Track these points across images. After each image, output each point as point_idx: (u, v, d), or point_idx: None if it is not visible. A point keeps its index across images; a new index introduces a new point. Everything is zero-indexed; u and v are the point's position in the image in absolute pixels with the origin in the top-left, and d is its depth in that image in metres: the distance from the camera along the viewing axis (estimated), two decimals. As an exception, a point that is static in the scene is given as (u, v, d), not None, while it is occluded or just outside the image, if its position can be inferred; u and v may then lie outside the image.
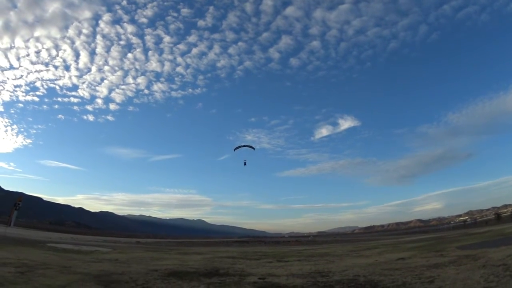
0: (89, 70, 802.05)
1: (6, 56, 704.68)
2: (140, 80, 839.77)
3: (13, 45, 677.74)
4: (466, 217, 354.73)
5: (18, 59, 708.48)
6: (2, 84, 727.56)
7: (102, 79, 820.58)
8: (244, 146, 48.94)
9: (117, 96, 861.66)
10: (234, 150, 47.04)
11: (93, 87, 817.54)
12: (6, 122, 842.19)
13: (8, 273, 15.74)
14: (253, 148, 48.22)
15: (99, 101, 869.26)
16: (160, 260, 30.04)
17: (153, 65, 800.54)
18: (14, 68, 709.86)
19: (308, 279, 18.13)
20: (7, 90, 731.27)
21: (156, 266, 24.17)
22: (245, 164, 48.24)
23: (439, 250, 31.11)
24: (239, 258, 35.08)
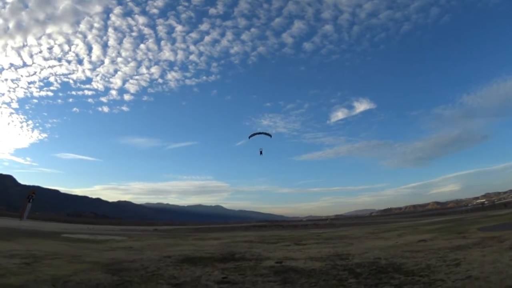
0: (102, 62, 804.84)
1: (19, 55, 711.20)
2: (153, 69, 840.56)
3: (25, 44, 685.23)
4: (484, 200, 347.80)
5: (31, 56, 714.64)
6: (16, 81, 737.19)
7: (116, 71, 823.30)
8: (260, 133, 45.07)
9: (131, 87, 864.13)
10: (249, 137, 43.35)
11: (107, 79, 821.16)
12: (21, 118, 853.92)
13: (13, 264, 15.07)
14: (270, 136, 43.95)
15: (114, 92, 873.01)
16: (175, 246, 29.42)
17: (166, 54, 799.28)
18: (27, 66, 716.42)
19: (327, 262, 17.26)
20: (21, 87, 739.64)
21: (170, 252, 23.52)
22: (261, 153, 44.81)
23: (460, 232, 29.88)
24: (256, 242, 34.33)
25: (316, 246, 27.06)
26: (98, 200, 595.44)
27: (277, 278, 13.55)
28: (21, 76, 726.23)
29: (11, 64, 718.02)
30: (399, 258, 17.27)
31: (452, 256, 16.42)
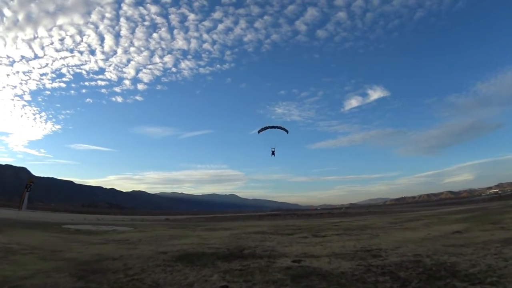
0: (115, 52, 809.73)
1: (30, 47, 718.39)
2: (167, 59, 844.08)
3: (36, 36, 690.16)
4: (497, 189, 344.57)
5: (42, 48, 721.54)
6: (28, 74, 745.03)
7: (129, 61, 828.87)
8: (273, 127, 37.64)
9: (145, 76, 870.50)
10: (259, 132, 36.86)
11: (120, 69, 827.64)
12: (34, 111, 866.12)
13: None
14: (287, 131, 36.85)
15: (127, 82, 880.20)
16: (179, 238, 26.32)
17: (179, 43, 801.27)
18: (39, 57, 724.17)
19: (357, 261, 13.74)
20: (33, 79, 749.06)
21: (168, 246, 20.34)
22: (273, 154, 38.24)
23: (495, 222, 26.62)
24: (269, 233, 30.96)
25: (337, 239, 23.64)
26: (112, 190, 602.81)
27: (296, 286, 10.16)
28: (33, 68, 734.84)
29: (22, 57, 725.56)
30: (445, 256, 13.91)
31: (510, 253, 13.45)
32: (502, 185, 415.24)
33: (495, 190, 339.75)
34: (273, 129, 37.93)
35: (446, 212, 58.10)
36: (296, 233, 30.06)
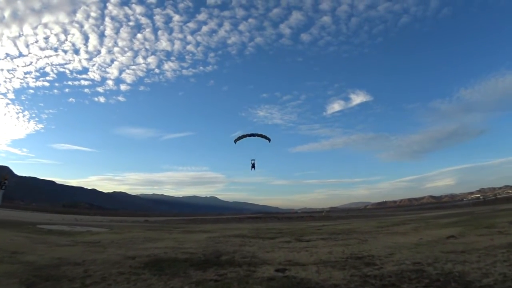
0: (99, 52, 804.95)
1: (15, 44, 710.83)
2: (150, 59, 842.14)
3: (21, 33, 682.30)
4: (479, 195, 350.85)
5: (27, 46, 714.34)
6: (12, 72, 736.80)
7: (112, 61, 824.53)
8: (252, 135, 33.26)
9: (128, 77, 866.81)
10: (235, 142, 31.67)
11: (103, 69, 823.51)
12: (17, 109, 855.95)
13: None
14: (269, 139, 31.88)
15: (110, 82, 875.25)
16: (153, 241, 24.60)
17: (163, 44, 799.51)
18: (24, 56, 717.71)
19: (350, 271, 12.24)
20: (17, 78, 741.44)
21: (140, 250, 18.64)
22: (253, 167, 33.49)
23: (489, 227, 25.60)
24: (250, 237, 29.34)
25: (323, 243, 22.17)
26: (93, 190, 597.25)
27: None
28: (17, 66, 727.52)
29: (7, 54, 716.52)
30: (448, 264, 12.53)
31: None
32: (483, 190, 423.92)
33: (476, 195, 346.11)
34: (252, 137, 33.90)
35: (432, 216, 57.37)
36: (278, 237, 28.52)
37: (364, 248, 18.58)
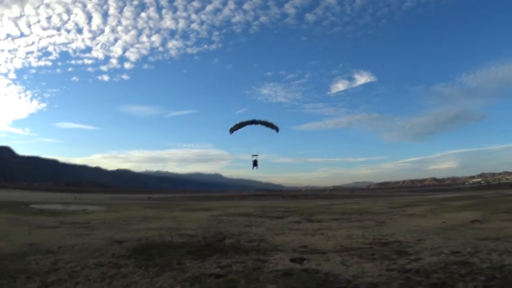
0: (102, 31, 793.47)
1: (17, 25, 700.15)
2: (154, 38, 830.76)
3: (23, 13, 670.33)
4: (480, 179, 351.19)
5: (29, 26, 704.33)
6: (13, 52, 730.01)
7: (116, 39, 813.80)
8: (253, 122, 26.88)
9: (132, 55, 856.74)
10: (231, 131, 26.33)
11: (107, 47, 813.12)
12: (19, 89, 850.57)
13: None
14: (276, 129, 26.64)
15: (114, 61, 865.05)
16: (149, 221, 22.37)
17: (167, 23, 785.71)
18: (25, 36, 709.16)
19: (383, 262, 9.99)
20: (19, 58, 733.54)
21: (131, 232, 16.29)
22: (255, 164, 28.21)
23: (508, 211, 23.37)
24: (255, 216, 27.05)
25: (337, 225, 19.84)
26: (97, 168, 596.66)
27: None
28: (19, 46, 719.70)
29: (8, 35, 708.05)
30: (493, 254, 10.46)
31: None
32: (484, 175, 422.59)
33: (477, 180, 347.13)
34: (253, 125, 27.48)
35: (441, 198, 55.16)
36: (286, 217, 26.27)
37: (385, 232, 16.34)
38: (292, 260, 10.27)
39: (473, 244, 11.99)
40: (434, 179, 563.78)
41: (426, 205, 35.85)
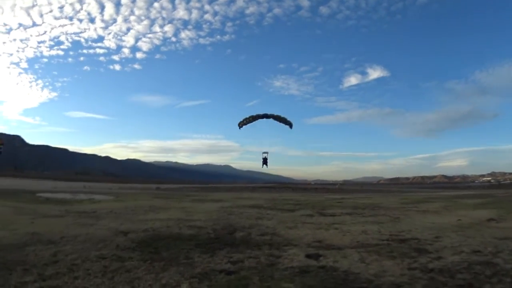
0: (115, 21, 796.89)
1: (29, 14, 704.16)
2: (167, 28, 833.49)
3: (35, 3, 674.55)
4: (490, 178, 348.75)
5: (41, 16, 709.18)
6: (25, 41, 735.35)
7: (128, 29, 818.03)
8: (266, 116, 24.57)
9: (144, 45, 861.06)
10: (240, 126, 24.29)
11: (119, 37, 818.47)
12: (30, 78, 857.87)
13: None
14: (290, 125, 24.37)
15: (126, 50, 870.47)
16: (157, 211, 21.84)
17: (180, 13, 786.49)
18: (37, 25, 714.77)
19: (403, 260, 9.33)
20: (31, 47, 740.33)
21: (137, 223, 15.77)
22: (265, 162, 26.12)
23: None
24: (266, 208, 26.39)
25: (351, 220, 19.11)
26: (107, 158, 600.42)
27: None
28: (31, 35, 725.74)
29: (20, 24, 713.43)
30: None
31: None
32: (494, 174, 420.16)
33: (487, 179, 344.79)
34: (264, 119, 25.05)
35: (454, 195, 53.70)
36: (298, 210, 25.58)
37: (401, 228, 15.60)
38: (308, 256, 9.61)
39: (493, 244, 11.31)
40: (444, 176, 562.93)
41: (439, 202, 34.85)
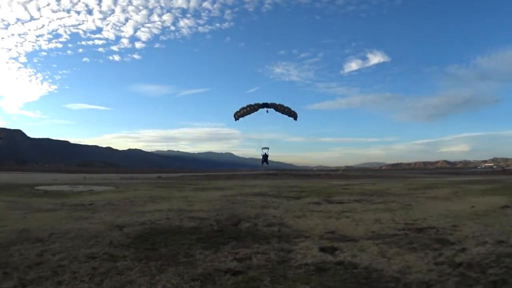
0: (113, 11, 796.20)
1: (26, 9, 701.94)
2: (165, 17, 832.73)
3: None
4: (492, 164, 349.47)
5: (39, 9, 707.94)
6: (23, 36, 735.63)
7: (127, 19, 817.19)
8: (265, 105, 21.58)
9: (143, 35, 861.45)
10: (236, 117, 21.80)
11: (117, 27, 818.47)
12: (30, 72, 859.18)
13: None
14: (295, 116, 21.89)
15: (125, 41, 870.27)
16: (157, 201, 21.04)
17: (179, 2, 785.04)
18: (35, 19, 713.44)
19: (427, 253, 8.40)
20: (29, 41, 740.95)
21: (135, 216, 14.80)
22: (265, 160, 23.73)
23: None
24: (271, 196, 25.46)
25: (361, 207, 18.19)
26: (108, 149, 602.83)
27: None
28: (29, 30, 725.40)
29: (18, 19, 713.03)
30: None
31: None
32: (497, 160, 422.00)
33: (490, 164, 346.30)
34: (263, 109, 22.06)
35: (460, 181, 52.59)
36: (304, 197, 24.67)
37: (415, 216, 14.77)
38: (322, 250, 8.65)
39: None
40: (446, 162, 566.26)
41: (447, 188, 33.85)
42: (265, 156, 25.43)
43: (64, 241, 9.50)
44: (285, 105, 22.99)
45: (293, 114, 23.06)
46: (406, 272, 6.92)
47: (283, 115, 23.02)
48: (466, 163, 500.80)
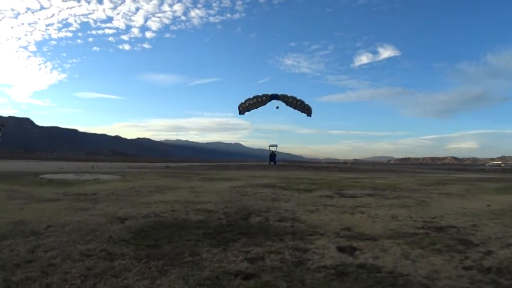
0: (123, 1, 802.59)
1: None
2: (176, 7, 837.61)
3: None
4: (500, 162, 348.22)
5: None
6: (33, 25, 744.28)
7: (137, 9, 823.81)
8: (274, 97, 19.84)
9: (153, 24, 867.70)
10: (241, 111, 20.48)
11: (128, 17, 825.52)
12: (39, 61, 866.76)
13: None
14: (308, 112, 20.33)
15: (135, 30, 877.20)
16: (164, 191, 20.34)
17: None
18: (45, 8, 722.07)
19: (453, 256, 7.63)
20: (39, 30, 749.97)
21: (139, 207, 14.06)
22: (272, 159, 21.31)
23: None
24: (281, 188, 24.59)
25: (375, 202, 17.43)
26: (117, 137, 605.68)
27: None
28: (38, 19, 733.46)
29: (28, 8, 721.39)
30: None
31: None
32: (504, 158, 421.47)
33: (497, 162, 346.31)
34: (272, 102, 19.65)
35: (470, 178, 51.11)
36: (315, 190, 23.82)
37: (432, 213, 14.01)
38: (340, 250, 7.87)
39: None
40: (455, 158, 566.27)
41: (459, 185, 32.76)
42: (273, 156, 24.13)
43: (60, 235, 8.79)
44: (298, 98, 21.46)
45: (306, 110, 21.52)
46: (434, 277, 6.17)
47: (295, 109, 21.46)
48: (474, 160, 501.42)
